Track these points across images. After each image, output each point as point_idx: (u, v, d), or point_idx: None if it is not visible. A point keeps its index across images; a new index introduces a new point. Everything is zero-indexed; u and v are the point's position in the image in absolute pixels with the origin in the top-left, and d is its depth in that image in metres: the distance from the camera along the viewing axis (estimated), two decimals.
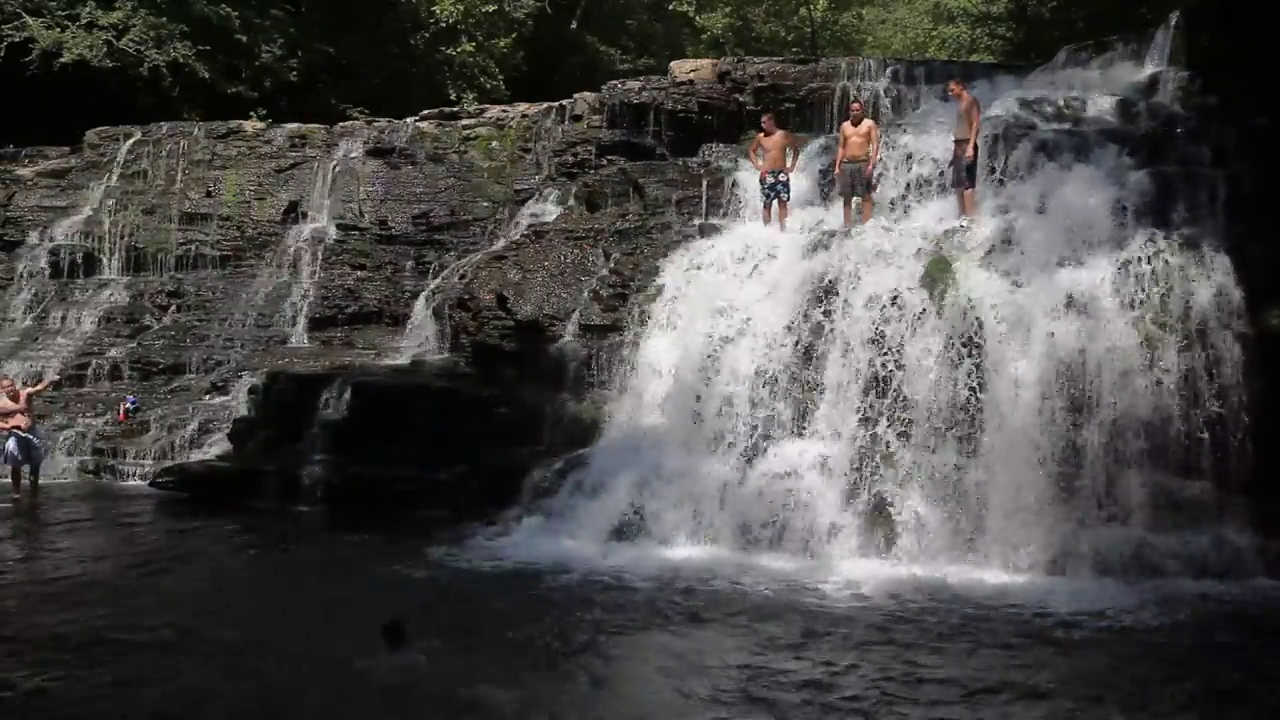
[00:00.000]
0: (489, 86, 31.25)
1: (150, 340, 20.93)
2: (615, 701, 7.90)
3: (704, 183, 17.57)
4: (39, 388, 17.70)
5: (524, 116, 23.00)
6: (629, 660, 8.64)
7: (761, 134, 16.49)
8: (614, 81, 22.46)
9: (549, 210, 19.73)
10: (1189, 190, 13.76)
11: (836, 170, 15.83)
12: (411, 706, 7.71)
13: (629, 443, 13.72)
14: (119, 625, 9.63)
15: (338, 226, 21.94)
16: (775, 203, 16.09)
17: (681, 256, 15.41)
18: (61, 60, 24.69)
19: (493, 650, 8.86)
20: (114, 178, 23.26)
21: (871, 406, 12.56)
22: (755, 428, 12.98)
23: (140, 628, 9.52)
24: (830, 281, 13.44)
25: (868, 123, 15.93)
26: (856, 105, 16.55)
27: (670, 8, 38.79)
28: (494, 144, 22.60)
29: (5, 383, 17.03)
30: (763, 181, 16.23)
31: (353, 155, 22.85)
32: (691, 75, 21.41)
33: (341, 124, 24.42)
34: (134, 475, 17.75)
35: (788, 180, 16.08)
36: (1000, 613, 9.96)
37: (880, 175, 15.84)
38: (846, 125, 15.96)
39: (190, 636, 9.24)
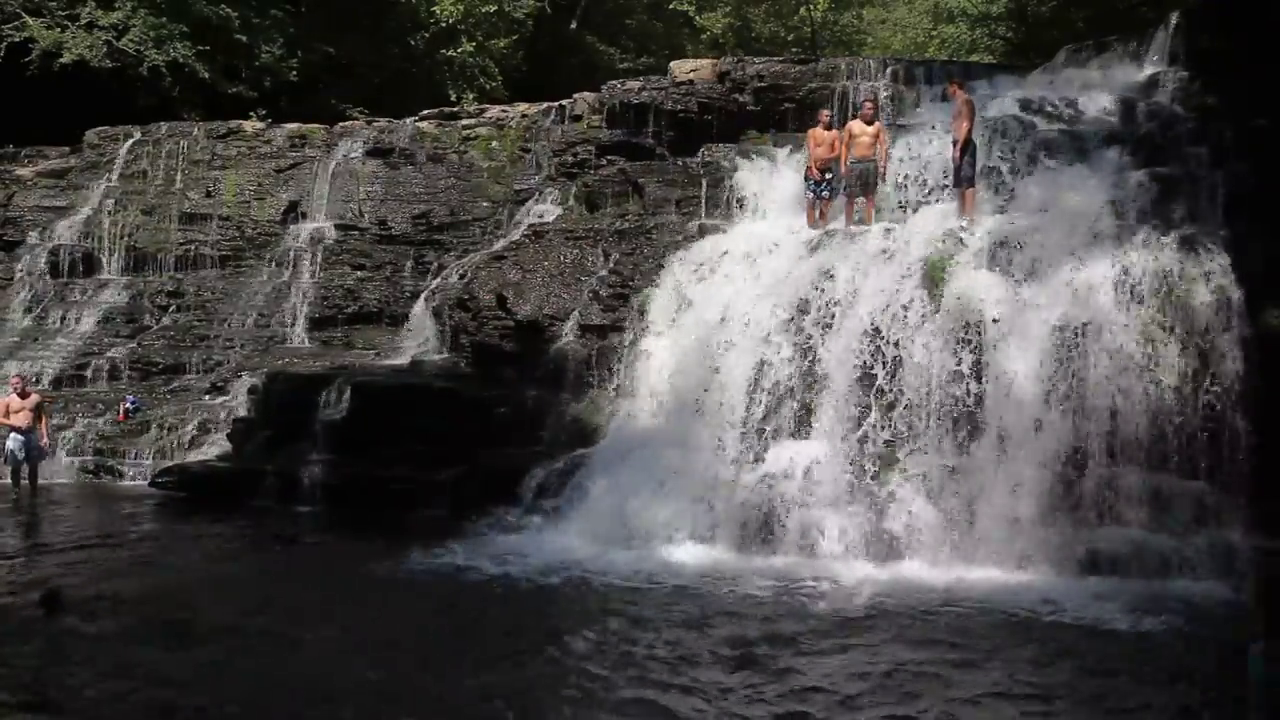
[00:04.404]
0: (489, 87, 31.27)
1: (150, 340, 20.93)
2: (601, 705, 7.85)
3: (704, 183, 17.54)
4: (44, 417, 17.00)
5: (524, 116, 23.01)
6: (622, 663, 8.60)
7: (819, 127, 15.98)
8: (614, 81, 22.46)
9: (549, 210, 19.73)
10: (1189, 190, 13.78)
11: (843, 169, 15.64)
12: (396, 707, 7.70)
13: (629, 443, 13.71)
14: (114, 622, 9.64)
15: (337, 226, 21.94)
16: (819, 202, 15.71)
17: (681, 256, 15.40)
18: (61, 60, 24.69)
19: (488, 653, 8.85)
20: (114, 178, 23.27)
21: (871, 407, 12.56)
22: (754, 428, 12.98)
23: (133, 627, 9.55)
24: (830, 281, 13.43)
25: (878, 123, 15.81)
26: (869, 104, 16.29)
27: (670, 7, 38.78)
28: (494, 144, 22.61)
29: (15, 379, 17.08)
30: (807, 179, 15.81)
31: (352, 155, 22.85)
32: (691, 75, 21.40)
33: (341, 124, 24.43)
34: (133, 475, 17.75)
35: (833, 179, 15.79)
36: (998, 613, 9.94)
37: (883, 176, 15.80)
38: (854, 124, 15.71)
39: (182, 636, 9.25)
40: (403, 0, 31.50)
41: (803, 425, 12.88)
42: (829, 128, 16.02)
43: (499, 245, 19.03)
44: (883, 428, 12.49)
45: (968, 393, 12.22)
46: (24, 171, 23.77)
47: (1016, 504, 11.63)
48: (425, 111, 24.45)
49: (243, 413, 17.71)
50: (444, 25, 31.34)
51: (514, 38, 33.39)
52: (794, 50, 35.70)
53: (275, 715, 7.67)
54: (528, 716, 7.57)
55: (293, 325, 20.86)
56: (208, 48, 26.22)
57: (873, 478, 12.21)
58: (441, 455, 14.48)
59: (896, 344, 12.65)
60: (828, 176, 15.73)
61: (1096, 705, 7.84)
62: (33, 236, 22.63)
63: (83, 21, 25.43)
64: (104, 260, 22.49)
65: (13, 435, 16.32)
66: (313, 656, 8.80)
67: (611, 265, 15.97)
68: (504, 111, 23.88)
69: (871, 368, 12.67)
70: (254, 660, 8.63)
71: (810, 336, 13.19)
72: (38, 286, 22.01)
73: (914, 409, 12.40)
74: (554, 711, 7.62)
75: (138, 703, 7.75)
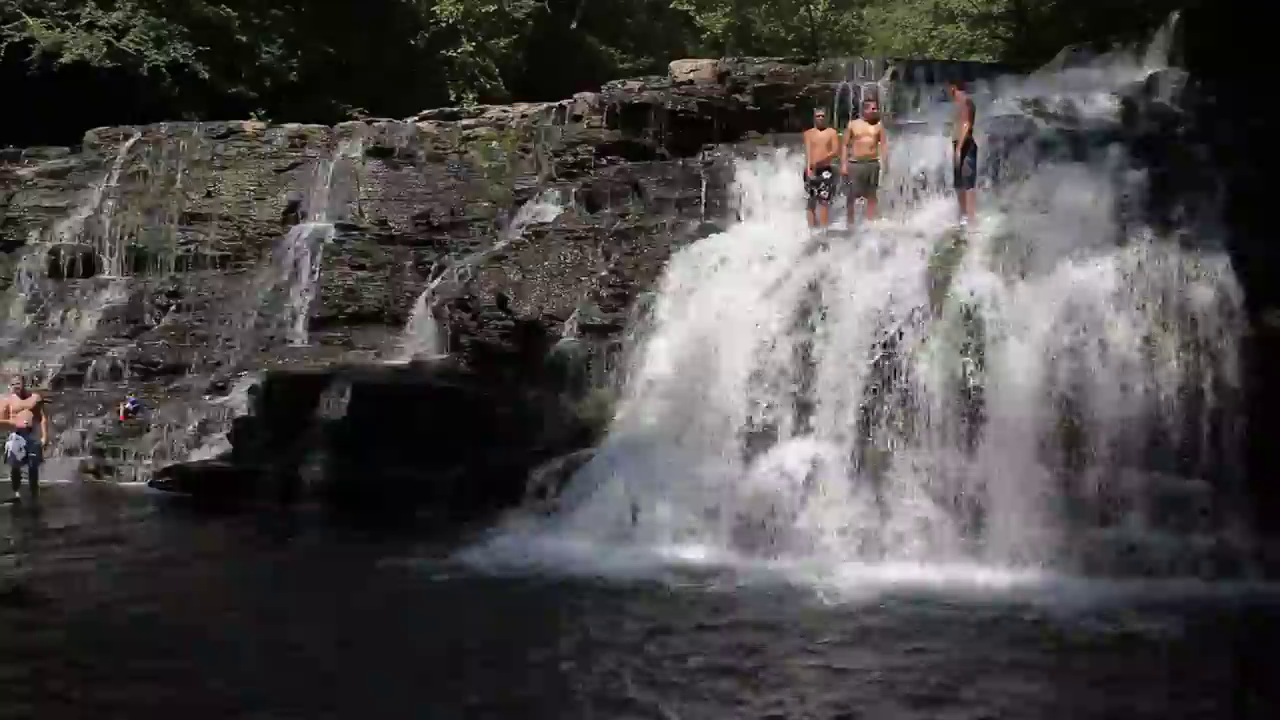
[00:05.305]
0: (489, 87, 31.29)
1: (150, 340, 20.93)
2: (596, 707, 7.83)
3: (704, 183, 17.53)
4: (44, 417, 17.01)
5: (524, 117, 23.03)
6: (619, 664, 8.57)
7: (814, 127, 15.95)
8: (614, 81, 22.49)
9: (549, 210, 19.71)
10: (1189, 190, 13.75)
11: (844, 169, 15.60)
12: (389, 709, 7.68)
13: (629, 443, 13.70)
14: (110, 624, 9.64)
15: (338, 226, 21.92)
16: (819, 203, 15.61)
17: (681, 257, 15.39)
18: (61, 60, 24.72)
19: (483, 654, 8.83)
20: (114, 178, 23.27)
21: (871, 407, 12.54)
22: (755, 428, 12.97)
23: (127, 626, 9.56)
24: (831, 281, 13.43)
25: (880, 123, 15.74)
26: (873, 104, 16.24)
27: (670, 7, 38.81)
28: (494, 144, 22.62)
29: (16, 380, 17.07)
30: (806, 179, 15.78)
31: (353, 155, 22.86)
32: (691, 75, 21.42)
33: (341, 124, 24.43)
34: (134, 475, 17.75)
35: (831, 179, 15.71)
36: (998, 613, 9.92)
37: (884, 176, 15.78)
38: (856, 124, 15.69)
39: (174, 635, 9.25)
40: (403, 0, 31.50)
41: (803, 425, 12.87)
42: (823, 128, 16.00)
43: (499, 245, 19.01)
44: (883, 427, 12.47)
45: (968, 393, 12.21)
46: (24, 171, 23.77)
47: (1017, 504, 11.61)
48: (425, 111, 24.45)
49: (243, 413, 17.70)
50: (444, 25, 31.36)
51: (514, 38, 33.38)
52: (794, 50, 35.69)
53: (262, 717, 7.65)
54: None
55: (293, 325, 20.85)
56: (208, 48, 26.24)
57: (873, 478, 12.20)
58: (441, 455, 14.46)
59: (897, 344, 12.64)
60: (825, 176, 15.67)
61: (1096, 705, 7.83)
62: (33, 236, 22.64)
63: (83, 21, 25.45)
64: (104, 260, 22.49)
65: (13, 436, 16.30)
66: (307, 657, 8.78)
67: (611, 265, 15.96)
68: (504, 111, 23.90)
69: (872, 368, 12.65)
70: (247, 661, 8.61)
71: (811, 336, 13.17)
72: (38, 286, 22.02)
73: (914, 409, 12.39)
74: (547, 716, 7.59)
75: (124, 699, 7.74)
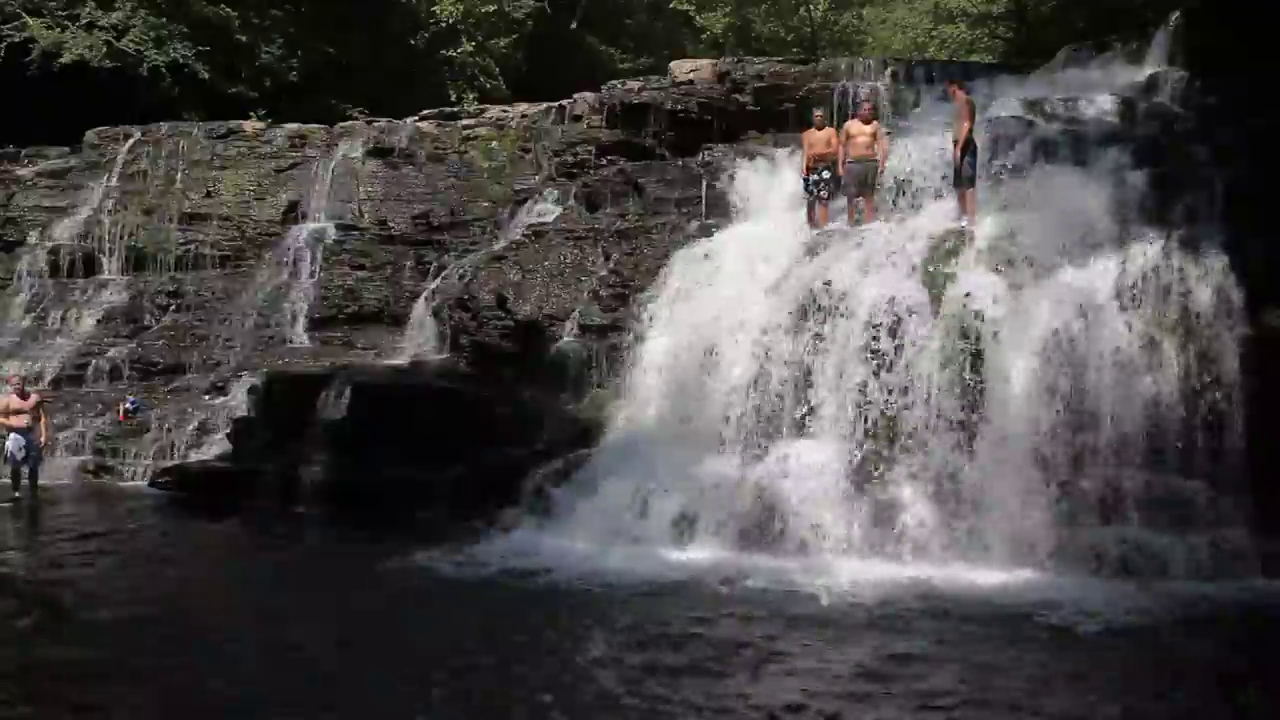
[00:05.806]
0: (489, 86, 31.32)
1: (150, 340, 20.93)
2: (593, 709, 7.82)
3: (704, 183, 17.54)
4: (44, 417, 16.96)
5: (524, 116, 23.05)
6: (618, 665, 8.57)
7: (813, 127, 15.95)
8: (614, 81, 22.52)
9: (549, 210, 19.71)
10: (1189, 190, 13.75)
11: (841, 169, 15.54)
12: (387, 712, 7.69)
13: (629, 443, 13.71)
14: (110, 624, 9.64)
15: (338, 226, 21.93)
16: (818, 203, 15.54)
17: (681, 257, 15.39)
18: (61, 60, 24.74)
19: (479, 655, 8.82)
20: (114, 178, 23.29)
21: (871, 406, 12.54)
22: (754, 428, 12.97)
23: (125, 625, 9.56)
24: (830, 281, 13.43)
25: (876, 123, 15.77)
26: (867, 105, 16.26)
27: (670, 7, 38.85)
28: (494, 144, 22.63)
29: (14, 379, 17.05)
30: (805, 179, 15.75)
31: (353, 155, 22.87)
32: (691, 75, 21.43)
33: (341, 124, 24.46)
34: (133, 475, 17.75)
35: (830, 179, 15.63)
36: (997, 613, 9.93)
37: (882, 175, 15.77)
38: (853, 124, 15.66)
39: (173, 635, 9.25)
40: (403, 0, 31.52)
41: (803, 425, 12.87)
42: (821, 127, 15.99)
43: (499, 245, 19.03)
44: (883, 427, 12.48)
45: (968, 393, 12.21)
46: (24, 171, 23.77)
47: (1016, 504, 11.62)
48: (425, 111, 24.47)
49: (243, 413, 17.70)
50: (444, 25, 31.39)
51: (514, 38, 33.42)
52: (794, 50, 35.72)
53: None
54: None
55: (293, 325, 20.85)
56: (208, 48, 26.26)
57: (873, 477, 12.20)
58: (441, 455, 14.45)
59: (896, 344, 12.64)
60: (824, 176, 15.63)
61: (1097, 706, 7.83)
62: (33, 236, 22.64)
63: (83, 21, 25.48)
64: (104, 260, 22.49)
65: (13, 436, 16.29)
66: (307, 657, 8.77)
67: (611, 265, 15.97)
68: (504, 111, 23.92)
69: (871, 367, 12.65)
70: (247, 661, 8.61)
71: (810, 336, 13.17)
72: (38, 286, 22.02)
73: (914, 409, 12.39)
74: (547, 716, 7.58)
75: (124, 699, 7.74)
